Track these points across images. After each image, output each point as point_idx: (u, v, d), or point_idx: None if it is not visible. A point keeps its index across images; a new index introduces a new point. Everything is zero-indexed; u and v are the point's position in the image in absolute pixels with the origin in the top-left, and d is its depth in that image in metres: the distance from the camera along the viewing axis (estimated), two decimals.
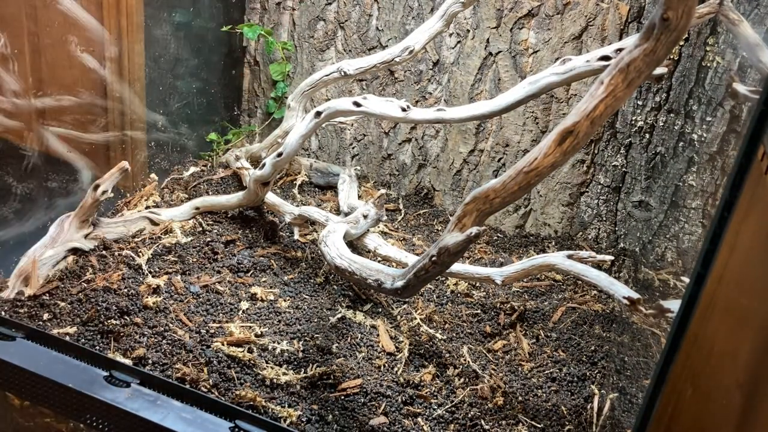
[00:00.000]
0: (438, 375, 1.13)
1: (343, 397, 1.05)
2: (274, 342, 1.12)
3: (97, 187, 1.28)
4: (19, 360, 0.96)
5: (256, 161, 1.66)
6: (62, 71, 1.39)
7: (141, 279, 1.25)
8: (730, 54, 1.36)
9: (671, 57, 1.41)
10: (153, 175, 1.59)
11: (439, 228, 1.62)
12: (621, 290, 1.08)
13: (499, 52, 1.57)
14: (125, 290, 1.20)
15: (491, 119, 1.60)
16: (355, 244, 1.38)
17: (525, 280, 1.37)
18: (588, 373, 1.16)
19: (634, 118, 1.48)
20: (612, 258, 1.21)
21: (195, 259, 1.35)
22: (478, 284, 1.39)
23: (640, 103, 1.47)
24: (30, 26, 1.31)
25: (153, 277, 1.26)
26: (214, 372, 1.05)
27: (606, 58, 1.11)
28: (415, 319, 1.25)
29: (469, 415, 1.05)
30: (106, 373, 0.96)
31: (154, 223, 1.43)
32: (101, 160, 1.50)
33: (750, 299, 0.57)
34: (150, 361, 1.05)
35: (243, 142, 1.86)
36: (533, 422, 1.05)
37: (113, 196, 1.34)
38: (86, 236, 1.32)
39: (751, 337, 0.56)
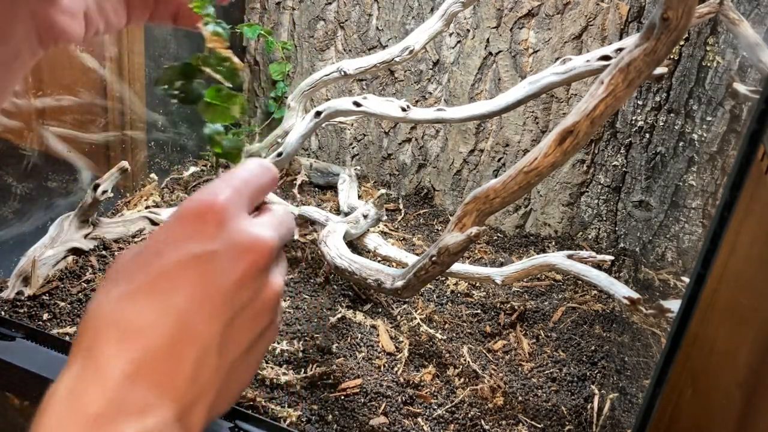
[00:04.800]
0: (438, 375, 1.13)
1: (343, 397, 1.04)
2: (274, 342, 1.12)
3: (97, 187, 1.28)
4: (19, 360, 0.96)
5: None
6: (62, 71, 1.39)
7: None
8: (730, 54, 1.36)
9: (671, 57, 1.41)
10: (153, 175, 1.59)
11: (439, 228, 1.62)
12: (621, 290, 1.08)
13: (499, 51, 1.56)
14: None
15: (491, 119, 1.60)
16: (355, 244, 1.38)
17: (525, 280, 1.37)
18: (588, 373, 1.16)
19: (634, 118, 1.48)
20: (612, 258, 1.21)
21: None
22: (478, 284, 1.39)
23: (640, 102, 1.47)
24: None
25: None
26: None
27: (606, 57, 1.11)
28: (415, 319, 1.25)
29: (469, 415, 1.05)
30: None
31: (154, 223, 1.43)
32: (101, 160, 1.50)
33: (750, 299, 0.57)
34: None
35: (243, 141, 1.86)
36: (533, 422, 1.05)
37: (113, 196, 1.34)
38: (86, 236, 1.32)
39: (751, 337, 0.56)
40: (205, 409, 0.34)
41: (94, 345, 0.32)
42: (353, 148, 1.82)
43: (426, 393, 1.08)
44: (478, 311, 1.31)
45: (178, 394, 0.32)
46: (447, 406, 1.06)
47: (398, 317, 1.27)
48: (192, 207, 0.35)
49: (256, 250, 0.34)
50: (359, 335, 1.19)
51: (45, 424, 0.31)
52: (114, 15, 0.52)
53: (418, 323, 1.24)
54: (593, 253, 1.18)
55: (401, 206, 1.70)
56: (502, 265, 1.42)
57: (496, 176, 1.35)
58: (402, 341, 1.19)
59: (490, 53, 1.58)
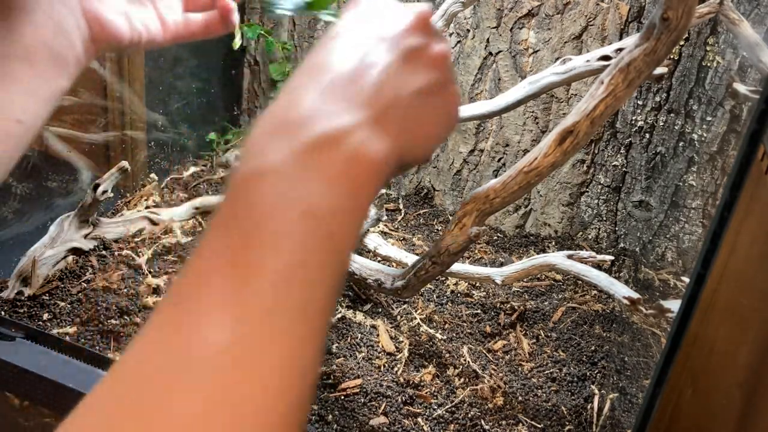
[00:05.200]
0: (438, 375, 1.13)
1: (343, 397, 1.05)
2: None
3: (97, 187, 1.28)
4: (19, 360, 0.96)
5: None
6: None
7: (141, 279, 1.25)
8: (730, 54, 1.36)
9: (671, 57, 1.41)
10: (153, 175, 1.59)
11: (439, 228, 1.62)
12: (621, 290, 1.08)
13: (499, 51, 1.56)
14: (125, 290, 1.20)
15: (491, 119, 1.60)
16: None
17: (525, 280, 1.37)
18: (588, 373, 1.16)
19: (634, 118, 1.48)
20: (612, 258, 1.21)
21: None
22: (478, 284, 1.39)
23: (640, 102, 1.47)
24: None
25: (153, 276, 1.26)
26: None
27: (606, 57, 1.11)
28: (415, 319, 1.25)
29: (469, 415, 1.05)
30: (106, 373, 0.96)
31: (153, 223, 1.43)
32: (101, 160, 1.50)
33: (750, 299, 0.57)
34: None
35: (243, 141, 1.86)
36: (533, 422, 1.05)
37: (113, 196, 1.34)
38: (86, 236, 1.32)
39: (751, 337, 0.56)
40: (396, 127, 0.37)
41: (289, 91, 0.37)
42: None
43: (426, 393, 1.08)
44: (478, 311, 1.31)
45: (366, 103, 0.36)
46: (447, 406, 1.06)
47: (398, 317, 1.27)
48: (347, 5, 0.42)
49: (412, 16, 0.40)
50: (359, 335, 1.19)
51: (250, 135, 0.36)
52: (152, 24, 0.59)
53: (418, 323, 1.24)
54: (593, 253, 1.18)
55: (401, 206, 1.70)
56: (502, 265, 1.42)
57: (496, 176, 1.35)
58: (402, 341, 1.19)
59: (490, 53, 1.58)
